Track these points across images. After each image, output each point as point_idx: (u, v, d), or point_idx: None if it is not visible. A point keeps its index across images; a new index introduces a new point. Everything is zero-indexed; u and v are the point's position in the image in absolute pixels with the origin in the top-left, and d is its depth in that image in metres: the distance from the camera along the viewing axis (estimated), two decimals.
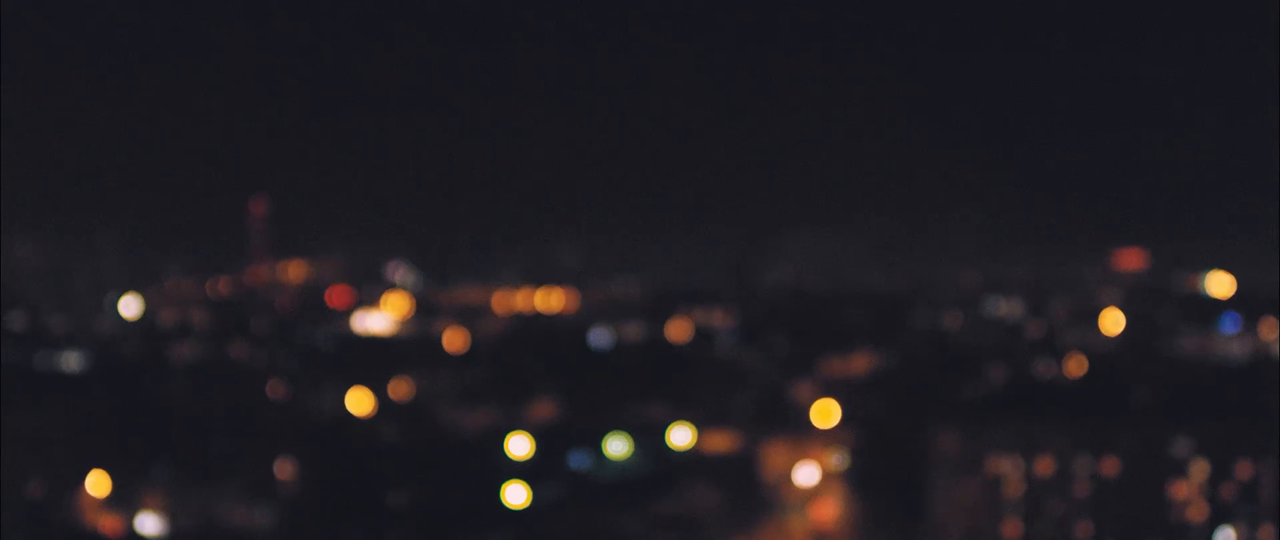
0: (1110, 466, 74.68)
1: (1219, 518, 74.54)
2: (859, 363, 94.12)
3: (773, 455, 79.38)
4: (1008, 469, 72.37)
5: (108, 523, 76.47)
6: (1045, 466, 72.51)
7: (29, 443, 75.57)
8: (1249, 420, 73.66)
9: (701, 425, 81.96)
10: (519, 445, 77.83)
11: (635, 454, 78.34)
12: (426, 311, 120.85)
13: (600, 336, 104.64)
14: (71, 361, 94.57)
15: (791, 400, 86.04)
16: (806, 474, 78.89)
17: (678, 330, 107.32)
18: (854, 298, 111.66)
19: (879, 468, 77.00)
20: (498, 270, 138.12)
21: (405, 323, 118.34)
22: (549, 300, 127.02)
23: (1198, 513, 75.33)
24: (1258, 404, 75.30)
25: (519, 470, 75.74)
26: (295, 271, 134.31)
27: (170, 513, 76.18)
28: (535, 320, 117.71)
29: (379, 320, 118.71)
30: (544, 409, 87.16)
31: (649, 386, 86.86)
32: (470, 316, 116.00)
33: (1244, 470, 74.56)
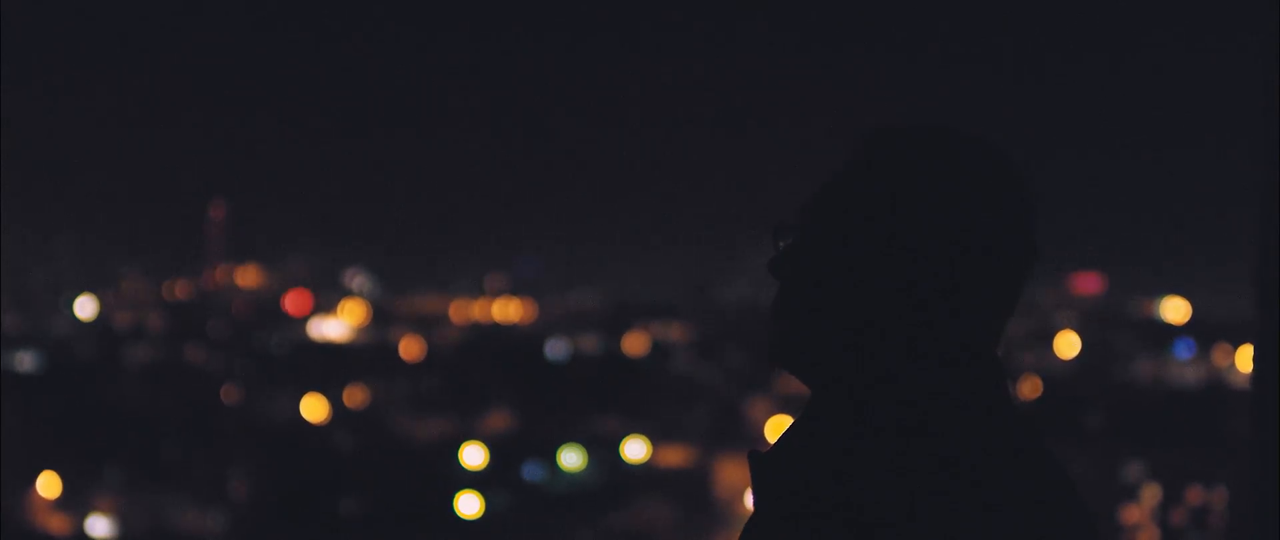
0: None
1: None
2: None
3: (727, 470, 79.43)
4: None
5: (57, 524, 76.22)
6: None
7: None
8: (1201, 446, 74.07)
9: (656, 439, 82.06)
10: (473, 455, 77.79)
11: (589, 466, 78.37)
12: (383, 319, 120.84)
13: (557, 348, 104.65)
14: (25, 361, 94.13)
15: (747, 416, 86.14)
16: None
17: (635, 343, 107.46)
18: None
19: None
20: (455, 279, 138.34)
21: (362, 330, 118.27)
22: (506, 311, 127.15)
23: (1148, 537, 75.76)
24: (1210, 430, 75.73)
25: (472, 480, 75.67)
26: (252, 276, 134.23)
27: (121, 516, 75.97)
28: (492, 330, 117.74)
29: (335, 327, 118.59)
30: (499, 419, 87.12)
31: (605, 399, 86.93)
32: (427, 325, 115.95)
33: (1195, 496, 74.99)
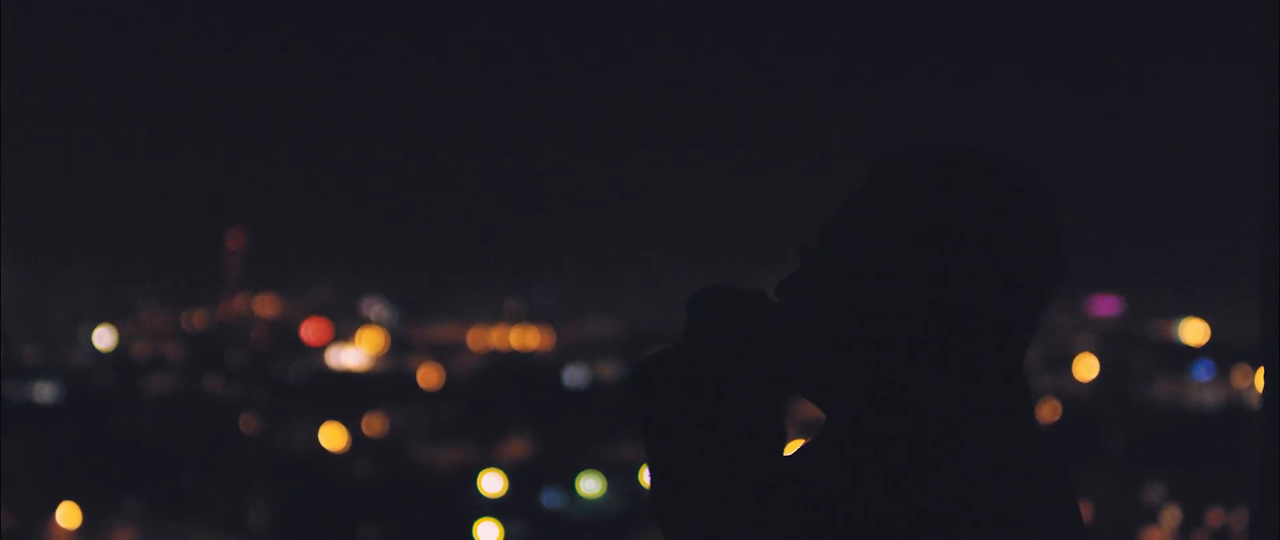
0: (1083, 512, 74.73)
1: None
2: None
3: None
4: None
5: None
6: None
7: None
8: (1221, 468, 73.83)
9: None
10: (492, 482, 77.73)
11: (608, 493, 78.24)
12: (401, 347, 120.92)
13: (575, 375, 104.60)
14: (44, 392, 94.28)
15: None
16: None
17: None
18: None
19: None
20: (473, 307, 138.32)
21: (380, 358, 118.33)
22: (524, 338, 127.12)
23: None
24: (1230, 452, 75.51)
25: (491, 508, 75.59)
26: (270, 306, 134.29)
27: None
28: (510, 358, 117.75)
29: (353, 355, 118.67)
30: (517, 447, 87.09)
31: (623, 426, 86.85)
32: (445, 353, 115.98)
33: (1215, 518, 74.74)
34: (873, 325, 2.45)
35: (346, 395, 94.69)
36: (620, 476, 79.48)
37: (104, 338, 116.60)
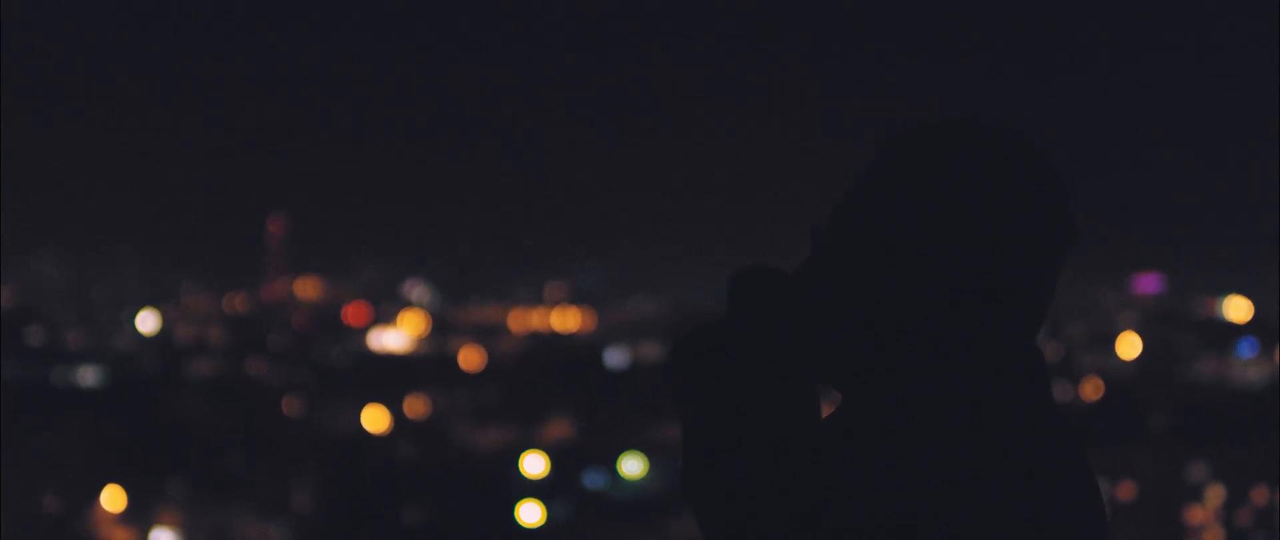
0: (1126, 491, 74.69)
1: None
2: None
3: None
4: None
5: (123, 537, 76.71)
6: None
7: (45, 457, 75.91)
8: (1265, 446, 73.58)
9: None
10: (534, 464, 77.90)
11: (651, 474, 78.36)
12: (443, 329, 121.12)
13: (617, 356, 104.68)
14: (89, 376, 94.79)
15: None
16: None
17: None
18: None
19: None
20: (514, 289, 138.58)
21: (422, 341, 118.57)
22: (566, 320, 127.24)
23: (1213, 539, 75.28)
24: (1274, 430, 75.27)
25: (534, 489, 75.79)
26: (312, 289, 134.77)
27: (185, 528, 76.40)
28: (552, 339, 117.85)
29: (395, 338, 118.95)
30: (560, 428, 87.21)
31: (665, 406, 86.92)
32: (487, 335, 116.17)
33: (1260, 496, 74.49)
34: (885, 304, 2.45)
35: (389, 377, 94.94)
36: (662, 457, 79.61)
37: (147, 322, 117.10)
